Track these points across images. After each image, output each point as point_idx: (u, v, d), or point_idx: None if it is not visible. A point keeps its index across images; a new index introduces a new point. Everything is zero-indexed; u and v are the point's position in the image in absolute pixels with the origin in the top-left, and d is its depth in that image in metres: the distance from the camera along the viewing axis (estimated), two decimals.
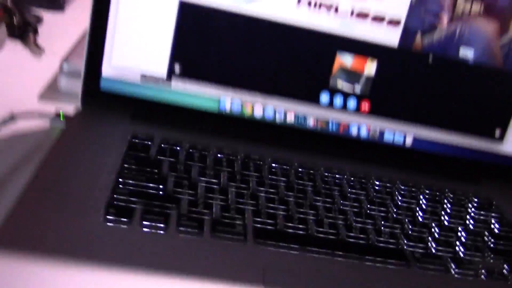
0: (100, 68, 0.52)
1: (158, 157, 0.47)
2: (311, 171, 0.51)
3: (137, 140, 0.48)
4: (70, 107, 0.52)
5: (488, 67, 0.56)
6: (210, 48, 0.53)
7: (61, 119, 0.50)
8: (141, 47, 0.52)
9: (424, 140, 0.59)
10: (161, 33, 0.52)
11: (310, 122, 0.57)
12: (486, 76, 0.57)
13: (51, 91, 0.60)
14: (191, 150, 0.49)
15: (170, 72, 0.53)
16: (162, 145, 0.49)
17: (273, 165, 0.51)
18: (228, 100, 0.55)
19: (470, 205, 0.53)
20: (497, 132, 0.59)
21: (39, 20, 0.76)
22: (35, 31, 0.72)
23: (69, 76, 0.59)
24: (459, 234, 0.48)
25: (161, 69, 0.53)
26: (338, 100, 0.56)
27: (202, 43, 0.52)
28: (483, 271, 0.44)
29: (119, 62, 0.52)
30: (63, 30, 0.78)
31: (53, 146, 0.45)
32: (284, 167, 0.51)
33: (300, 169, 0.51)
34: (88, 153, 0.46)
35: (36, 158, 0.47)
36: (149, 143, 0.49)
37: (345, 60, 0.54)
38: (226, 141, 0.53)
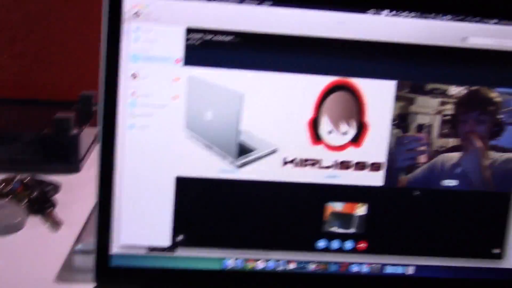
0: (109, 247, 0.56)
1: None
2: None
3: None
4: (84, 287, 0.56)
5: (475, 191, 0.59)
6: (209, 215, 0.57)
7: None
8: (144, 223, 0.56)
9: (426, 267, 0.60)
10: (161, 207, 0.56)
11: (311, 267, 0.59)
12: (474, 200, 0.60)
13: (67, 270, 0.64)
14: None
15: (174, 242, 0.57)
16: None
17: None
18: (231, 259, 0.58)
19: None
20: (496, 251, 0.61)
21: (56, 189, 0.81)
22: (53, 205, 0.77)
23: (82, 255, 0.63)
24: None
25: (165, 241, 0.57)
26: (335, 244, 0.59)
27: (201, 211, 0.56)
28: None
29: (126, 239, 0.56)
30: (79, 193, 0.83)
31: None
32: None
33: None
34: None
35: None
36: None
37: (336, 205, 0.58)
38: None
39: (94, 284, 0.57)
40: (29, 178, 0.81)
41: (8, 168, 0.88)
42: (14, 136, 0.92)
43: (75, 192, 0.84)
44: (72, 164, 0.93)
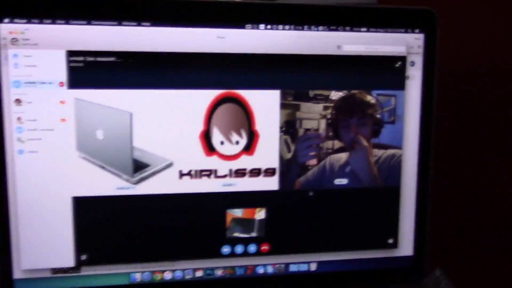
0: (12, 272, 0.51)
1: None
2: None
3: None
4: None
5: (366, 187, 0.58)
6: (111, 232, 0.53)
7: None
8: (46, 245, 0.52)
9: (328, 262, 0.58)
10: (62, 228, 0.52)
11: (219, 273, 0.56)
12: (366, 195, 0.58)
13: None
14: None
15: (78, 262, 0.52)
16: None
17: None
18: (138, 273, 0.54)
19: None
20: (391, 241, 0.60)
21: None
22: None
23: None
24: None
25: (69, 261, 0.52)
26: (239, 248, 0.56)
27: (103, 229, 0.53)
28: None
29: (28, 263, 0.52)
30: None
31: None
32: None
33: None
34: None
35: None
36: None
37: (236, 212, 0.55)
38: None
39: None
40: None
41: None
42: None
43: None
44: None
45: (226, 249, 0.56)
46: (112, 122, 0.51)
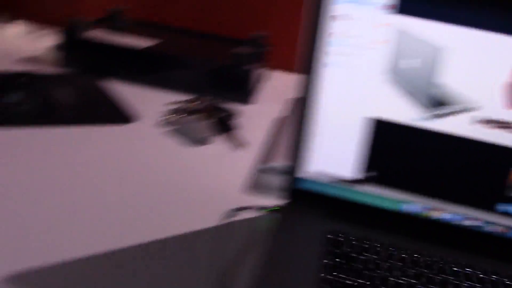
0: (298, 170, 0.55)
1: (351, 254, 0.49)
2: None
3: (331, 236, 0.51)
4: (270, 202, 0.57)
5: None
6: (396, 158, 0.53)
7: (268, 212, 0.53)
8: (336, 155, 0.54)
9: None
10: (354, 143, 0.54)
11: (489, 227, 0.53)
12: None
13: (252, 185, 0.63)
14: (378, 249, 0.50)
15: (362, 177, 0.54)
16: (353, 243, 0.51)
17: (467, 270, 0.50)
18: (410, 204, 0.53)
19: None
20: None
21: (234, 115, 0.81)
22: (234, 127, 0.77)
23: (267, 173, 0.63)
24: None
25: (354, 174, 0.54)
26: None
27: (389, 153, 0.53)
28: None
29: (317, 166, 0.55)
30: (250, 123, 0.82)
31: (264, 238, 0.47)
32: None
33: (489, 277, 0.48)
34: (293, 247, 0.49)
35: (252, 248, 0.50)
36: (341, 240, 0.51)
37: None
38: (407, 240, 0.53)
39: (280, 202, 0.57)
40: (210, 101, 0.81)
41: (186, 90, 0.89)
42: (193, 63, 0.91)
43: (247, 121, 0.83)
44: (243, 96, 0.91)
45: (503, 207, 0.52)
46: (424, 54, 0.49)
